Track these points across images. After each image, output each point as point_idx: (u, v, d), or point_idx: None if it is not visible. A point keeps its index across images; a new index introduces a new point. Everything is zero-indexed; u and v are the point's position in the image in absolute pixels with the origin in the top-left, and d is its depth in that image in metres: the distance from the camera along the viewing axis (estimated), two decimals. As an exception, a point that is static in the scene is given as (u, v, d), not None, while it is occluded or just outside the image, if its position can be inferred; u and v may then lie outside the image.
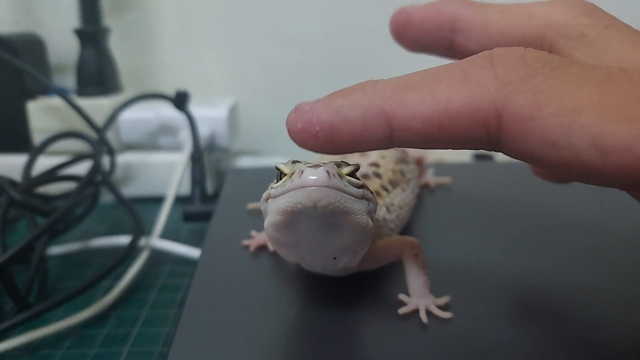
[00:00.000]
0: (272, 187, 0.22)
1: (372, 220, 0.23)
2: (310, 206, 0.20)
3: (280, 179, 0.22)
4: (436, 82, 0.18)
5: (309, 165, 0.21)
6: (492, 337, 0.23)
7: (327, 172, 0.20)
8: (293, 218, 0.21)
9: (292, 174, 0.21)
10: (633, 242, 0.31)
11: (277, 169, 0.22)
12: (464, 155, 0.54)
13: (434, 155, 0.55)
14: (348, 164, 0.22)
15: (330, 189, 0.20)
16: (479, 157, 0.54)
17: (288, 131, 0.20)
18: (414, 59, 0.67)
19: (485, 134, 0.18)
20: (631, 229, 0.32)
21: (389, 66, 0.62)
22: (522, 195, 0.38)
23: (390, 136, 0.19)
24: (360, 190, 0.22)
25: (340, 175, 0.21)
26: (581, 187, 0.38)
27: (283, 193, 0.21)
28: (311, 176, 0.20)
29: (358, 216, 0.22)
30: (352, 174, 0.22)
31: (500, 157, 0.54)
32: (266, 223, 0.22)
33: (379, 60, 0.61)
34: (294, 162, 0.22)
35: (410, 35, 0.27)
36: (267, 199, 0.23)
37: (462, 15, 0.25)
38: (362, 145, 0.20)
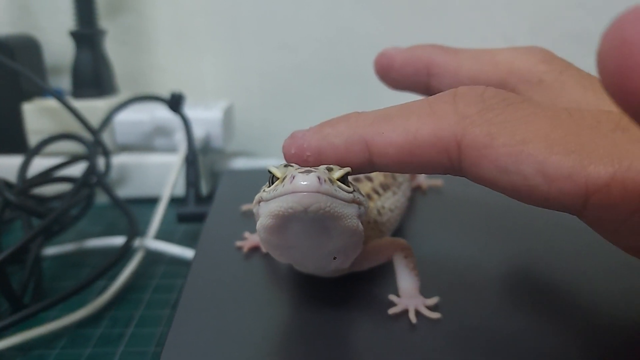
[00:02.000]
0: (264, 190, 0.23)
1: (362, 223, 0.24)
2: (301, 211, 0.20)
3: (273, 182, 0.22)
4: (408, 115, 0.21)
5: (300, 170, 0.21)
6: (481, 337, 0.24)
7: (318, 178, 0.21)
8: (284, 222, 0.21)
9: (284, 178, 0.21)
10: None
11: (270, 172, 0.23)
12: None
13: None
14: (340, 168, 0.23)
15: (321, 194, 0.20)
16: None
17: (284, 155, 0.23)
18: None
19: (448, 161, 0.20)
20: None
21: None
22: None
23: (370, 160, 0.22)
24: (351, 195, 0.22)
25: (331, 180, 0.22)
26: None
27: (274, 197, 0.21)
28: (302, 182, 0.20)
29: (348, 220, 0.22)
30: (343, 178, 0.23)
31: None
32: (258, 225, 0.23)
33: (371, 63, 0.62)
34: (286, 165, 0.23)
35: (392, 76, 0.30)
36: (259, 202, 0.23)
37: (437, 62, 0.28)
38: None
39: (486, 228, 0.34)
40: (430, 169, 0.21)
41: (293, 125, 0.64)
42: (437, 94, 0.22)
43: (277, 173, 0.22)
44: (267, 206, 0.22)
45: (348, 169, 0.23)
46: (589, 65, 0.63)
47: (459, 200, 0.38)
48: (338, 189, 0.22)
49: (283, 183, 0.21)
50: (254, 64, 0.62)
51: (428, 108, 0.21)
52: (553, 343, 0.23)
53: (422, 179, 0.40)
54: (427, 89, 0.29)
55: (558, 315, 0.25)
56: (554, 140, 0.18)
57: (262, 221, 0.22)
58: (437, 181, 0.40)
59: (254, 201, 0.24)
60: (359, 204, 0.23)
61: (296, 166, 0.23)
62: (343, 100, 0.63)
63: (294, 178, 0.21)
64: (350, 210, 0.22)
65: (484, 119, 0.19)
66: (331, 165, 0.23)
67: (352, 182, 0.24)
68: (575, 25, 0.59)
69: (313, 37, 0.61)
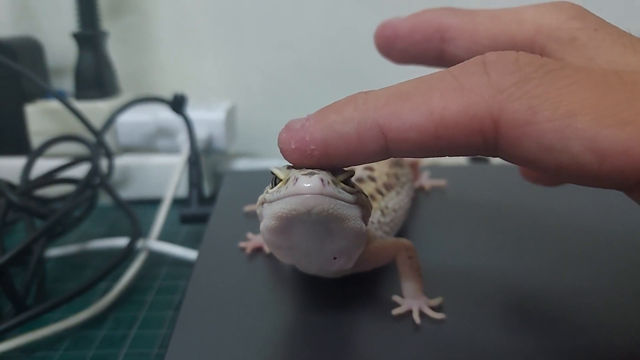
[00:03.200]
0: (267, 192, 0.22)
1: (366, 224, 0.23)
2: (304, 213, 0.20)
3: (276, 184, 0.22)
4: (429, 91, 0.18)
5: (303, 172, 0.21)
6: (485, 338, 0.24)
7: (322, 180, 0.20)
8: (287, 223, 0.21)
9: (287, 180, 0.21)
10: (628, 244, 0.31)
11: (272, 173, 0.23)
12: (460, 158, 0.55)
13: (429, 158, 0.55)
14: (344, 170, 0.23)
15: (324, 196, 0.20)
16: (474, 160, 0.54)
17: (281, 151, 0.20)
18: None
19: (482, 141, 0.18)
20: (626, 230, 0.33)
21: (384, 69, 0.62)
22: (517, 198, 0.38)
23: (386, 148, 0.19)
24: (354, 196, 0.22)
25: (334, 182, 0.21)
26: (576, 189, 0.38)
27: (278, 199, 0.21)
28: (305, 184, 0.20)
29: (352, 222, 0.22)
30: (346, 180, 0.22)
31: (496, 159, 0.54)
32: (262, 227, 0.23)
33: (374, 64, 0.61)
34: (289, 167, 0.22)
35: (397, 47, 0.27)
36: (262, 203, 0.23)
37: (451, 24, 0.25)
38: (358, 159, 0.20)
39: (490, 228, 0.34)
40: (458, 151, 0.18)
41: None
42: (461, 64, 0.19)
43: (280, 175, 0.22)
44: (271, 208, 0.22)
45: (352, 172, 0.23)
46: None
47: (463, 200, 0.38)
48: (342, 190, 0.21)
49: (286, 185, 0.21)
50: (256, 63, 0.62)
51: (454, 81, 0.18)
52: (557, 344, 0.23)
53: (425, 180, 0.40)
54: (439, 57, 0.26)
55: (563, 317, 0.25)
56: (604, 111, 0.16)
57: (266, 222, 0.22)
58: (440, 181, 0.40)
59: (257, 202, 0.24)
60: (363, 205, 0.23)
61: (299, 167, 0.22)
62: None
63: (297, 180, 0.20)
64: (354, 212, 0.22)
65: (523, 91, 0.17)
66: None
67: (356, 183, 0.24)
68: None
69: (315, 36, 0.61)
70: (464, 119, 0.17)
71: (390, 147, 0.19)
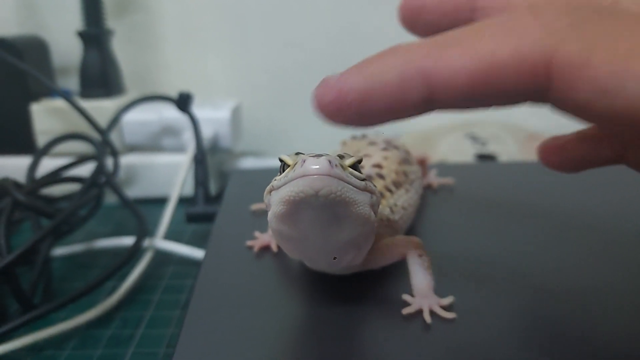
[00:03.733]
0: (275, 179, 0.22)
1: (375, 213, 0.23)
2: (311, 194, 0.20)
3: (284, 171, 0.22)
4: (477, 35, 0.17)
5: (311, 154, 0.21)
6: (496, 337, 0.23)
7: (329, 162, 0.20)
8: (295, 208, 0.21)
9: (295, 164, 0.21)
10: (638, 242, 0.31)
11: (281, 160, 0.22)
12: (467, 156, 0.54)
13: (437, 155, 0.55)
14: (351, 156, 0.22)
15: (331, 177, 0.20)
16: (482, 157, 0.54)
17: (316, 105, 0.19)
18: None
19: (533, 85, 0.17)
20: (637, 229, 0.32)
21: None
22: (526, 196, 0.38)
23: (431, 97, 0.17)
24: (363, 182, 0.22)
25: (342, 166, 0.21)
26: (586, 186, 0.38)
27: (285, 183, 0.21)
28: (313, 165, 0.20)
29: (360, 207, 0.22)
30: (354, 166, 0.22)
31: (503, 157, 0.54)
32: (270, 215, 0.23)
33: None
34: (297, 153, 0.22)
35: (424, 20, 0.24)
36: (270, 191, 0.23)
37: None
38: (400, 111, 0.18)
39: (500, 226, 0.33)
40: (508, 97, 0.17)
41: (301, 123, 0.65)
42: (508, 13, 0.18)
43: (289, 161, 0.22)
44: (278, 193, 0.21)
45: (360, 157, 0.23)
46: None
47: (471, 198, 0.38)
48: (349, 175, 0.21)
49: (294, 169, 0.21)
50: (261, 62, 0.62)
51: (503, 25, 0.17)
52: (570, 345, 0.23)
53: (433, 178, 0.40)
54: None
55: (575, 317, 0.25)
56: None
57: (274, 209, 0.22)
58: (448, 179, 0.40)
59: (266, 191, 0.23)
60: (371, 192, 0.23)
61: (308, 153, 0.22)
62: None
63: (304, 162, 0.20)
64: (362, 197, 0.22)
65: (578, 32, 0.16)
66: (342, 153, 0.23)
67: (366, 175, 0.23)
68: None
69: (320, 35, 0.61)
70: (516, 62, 0.16)
71: (436, 96, 0.17)
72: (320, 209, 0.21)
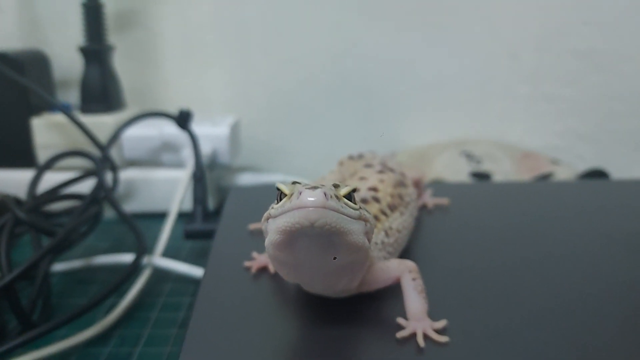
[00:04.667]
0: (272, 208, 0.23)
1: (369, 240, 0.24)
2: (307, 226, 0.21)
3: (281, 199, 0.23)
4: None
5: (307, 186, 0.22)
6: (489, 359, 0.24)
7: (325, 194, 0.21)
8: (291, 237, 0.22)
9: (292, 195, 0.22)
10: (634, 264, 0.32)
11: (278, 189, 0.23)
12: (463, 174, 0.55)
13: (432, 173, 0.56)
14: (346, 185, 0.23)
15: (327, 209, 0.21)
16: (477, 176, 0.55)
17: None
18: (411, 79, 0.68)
19: None
20: (629, 251, 0.33)
21: (387, 85, 0.62)
22: (520, 217, 0.38)
23: None
24: (357, 212, 0.23)
25: (337, 197, 0.22)
26: (580, 208, 0.39)
27: (282, 213, 0.22)
28: (309, 197, 0.21)
29: (354, 236, 0.22)
30: (349, 195, 0.23)
31: (498, 175, 0.54)
32: (267, 242, 0.23)
33: (377, 78, 0.62)
34: (294, 182, 0.23)
35: None
36: (267, 219, 0.23)
37: None
38: None
39: (494, 247, 0.34)
40: None
41: (299, 139, 0.65)
42: None
43: (285, 190, 0.23)
44: (275, 222, 0.22)
45: (354, 186, 0.23)
46: (594, 82, 0.63)
47: (466, 218, 0.38)
48: (344, 205, 0.22)
49: (290, 199, 0.21)
50: (261, 78, 0.63)
51: None
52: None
53: (428, 198, 0.41)
54: None
55: (570, 340, 0.25)
56: None
57: (271, 237, 0.23)
58: (443, 200, 0.40)
59: (263, 218, 0.24)
60: (366, 220, 0.23)
61: (304, 183, 0.23)
62: (350, 115, 0.63)
63: (300, 194, 0.21)
64: (357, 227, 0.22)
65: None
66: (338, 182, 0.23)
67: (359, 202, 0.24)
68: (581, 43, 0.59)
69: (320, 52, 0.62)
70: None
71: None
72: (315, 238, 0.22)
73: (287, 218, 0.21)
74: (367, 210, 0.24)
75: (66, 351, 0.32)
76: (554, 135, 0.63)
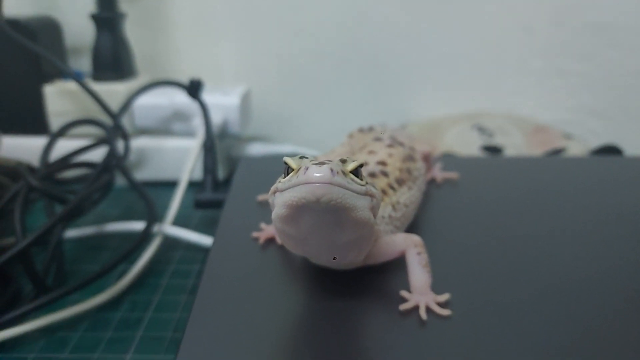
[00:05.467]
0: (279, 181, 0.23)
1: (375, 215, 0.24)
2: (313, 201, 0.21)
3: (288, 174, 0.23)
4: None
5: (314, 162, 0.22)
6: (491, 335, 0.24)
7: (331, 170, 0.21)
8: (297, 211, 0.22)
9: (299, 169, 0.22)
10: None
11: (285, 163, 0.23)
12: (474, 148, 0.55)
13: (443, 146, 0.55)
14: (353, 160, 0.23)
15: (333, 185, 0.21)
16: (488, 149, 0.54)
17: None
18: (423, 51, 0.67)
19: None
20: (638, 230, 0.33)
21: (398, 57, 0.62)
22: (530, 192, 0.38)
23: None
24: (364, 187, 0.23)
25: (344, 172, 0.22)
26: (590, 183, 0.39)
27: (289, 187, 0.22)
28: (315, 173, 0.21)
29: (360, 212, 0.23)
30: (356, 171, 0.23)
31: (509, 149, 0.54)
32: (273, 215, 0.24)
33: (389, 50, 0.62)
34: (301, 157, 0.23)
35: None
36: (274, 192, 0.24)
37: None
38: None
39: (501, 222, 0.34)
40: None
41: (310, 110, 0.65)
42: None
43: (293, 164, 0.23)
44: (282, 196, 0.22)
45: (362, 161, 0.23)
46: (609, 58, 0.62)
47: (475, 193, 0.38)
48: (351, 181, 0.22)
49: (297, 174, 0.22)
50: (272, 48, 0.62)
51: None
52: (567, 343, 0.24)
53: (437, 172, 0.41)
54: None
55: (574, 315, 0.25)
56: None
57: (277, 211, 0.23)
58: (452, 174, 0.40)
59: (270, 192, 0.24)
60: (372, 196, 0.24)
61: (311, 157, 0.23)
62: (360, 85, 0.63)
63: (307, 169, 0.21)
64: (362, 202, 0.23)
65: None
66: (345, 157, 0.23)
67: (366, 176, 0.24)
68: (597, 17, 0.58)
69: (331, 22, 0.61)
70: None
71: None
72: (321, 213, 0.22)
73: (294, 192, 0.22)
74: (374, 186, 0.24)
75: (79, 315, 0.33)
76: (567, 110, 0.62)
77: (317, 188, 0.21)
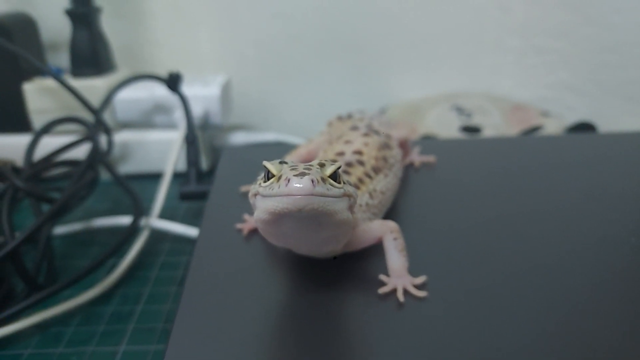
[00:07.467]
0: (260, 185, 0.24)
1: (352, 211, 0.25)
2: (295, 211, 0.22)
3: (268, 177, 0.24)
4: None
5: (294, 172, 0.22)
6: (466, 316, 0.25)
7: (312, 181, 0.22)
8: (279, 218, 0.23)
9: (280, 177, 0.23)
10: (614, 221, 0.33)
11: (265, 167, 0.24)
12: (453, 128, 0.56)
13: (423, 128, 0.56)
14: (332, 163, 0.24)
15: (314, 196, 0.22)
16: (467, 130, 0.55)
17: None
18: (402, 33, 0.67)
19: None
20: (609, 208, 0.34)
21: (378, 39, 0.62)
22: (506, 173, 0.39)
23: None
24: (342, 190, 0.24)
25: (323, 179, 0.23)
26: (568, 165, 0.40)
27: (270, 196, 0.23)
28: (296, 184, 0.22)
29: (340, 214, 0.24)
30: (334, 174, 0.24)
31: (488, 129, 0.55)
32: (255, 216, 0.25)
33: (368, 34, 0.62)
34: (280, 162, 0.24)
35: None
36: (255, 195, 0.24)
37: None
38: None
39: (477, 205, 0.35)
40: None
41: (291, 95, 0.65)
42: None
43: (273, 170, 0.23)
44: (264, 202, 0.23)
45: (339, 164, 0.24)
46: (584, 34, 0.63)
47: (452, 176, 0.39)
48: (330, 187, 0.23)
49: (279, 184, 0.22)
50: (250, 34, 0.62)
51: None
52: (540, 325, 0.25)
53: (415, 155, 0.41)
54: None
55: (547, 298, 0.26)
56: None
57: (259, 215, 0.24)
58: (430, 157, 0.41)
59: (250, 193, 0.25)
60: (349, 196, 0.25)
61: (290, 163, 0.24)
62: (341, 70, 0.63)
63: (289, 181, 0.22)
64: (342, 205, 0.24)
65: None
66: (323, 161, 0.24)
67: (342, 174, 0.25)
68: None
69: (309, 6, 0.61)
70: None
71: None
72: (302, 219, 0.23)
73: (275, 202, 0.22)
74: (350, 183, 0.25)
75: (71, 311, 0.34)
76: (545, 87, 0.63)
77: (299, 200, 0.22)
